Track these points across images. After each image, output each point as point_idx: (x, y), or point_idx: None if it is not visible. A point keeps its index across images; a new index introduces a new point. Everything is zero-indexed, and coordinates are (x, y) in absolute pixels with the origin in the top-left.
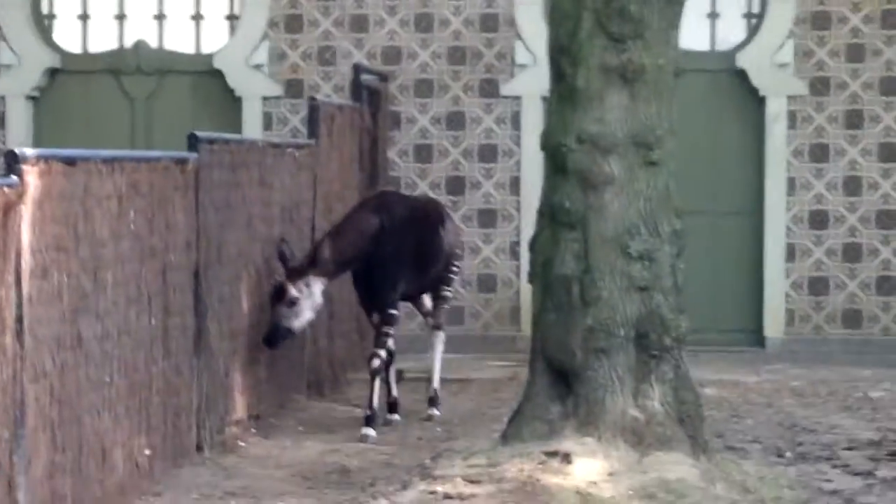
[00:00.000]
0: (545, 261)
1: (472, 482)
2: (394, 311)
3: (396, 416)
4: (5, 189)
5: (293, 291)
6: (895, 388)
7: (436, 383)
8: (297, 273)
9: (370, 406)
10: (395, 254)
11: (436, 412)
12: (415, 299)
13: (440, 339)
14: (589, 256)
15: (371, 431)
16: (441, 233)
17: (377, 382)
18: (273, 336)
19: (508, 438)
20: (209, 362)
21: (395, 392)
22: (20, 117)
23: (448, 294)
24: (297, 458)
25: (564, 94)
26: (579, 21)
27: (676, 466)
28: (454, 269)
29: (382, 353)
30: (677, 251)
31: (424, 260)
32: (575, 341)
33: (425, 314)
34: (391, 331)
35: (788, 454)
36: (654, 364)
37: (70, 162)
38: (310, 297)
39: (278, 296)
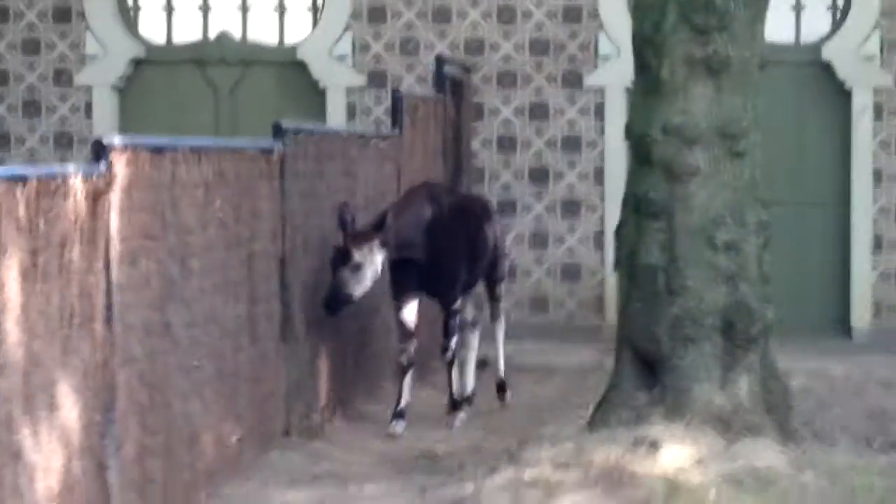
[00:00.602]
0: (630, 251)
1: (559, 467)
2: (456, 305)
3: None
4: (94, 177)
5: (357, 256)
6: None
7: (501, 372)
8: (361, 238)
9: (451, 395)
10: (452, 246)
11: (508, 395)
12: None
13: (501, 326)
14: (674, 246)
15: (462, 416)
16: (487, 228)
17: (455, 371)
18: (333, 302)
19: (595, 425)
20: (295, 349)
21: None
22: (106, 107)
23: (501, 293)
24: (384, 443)
25: (649, 85)
26: (664, 13)
27: (765, 453)
28: (503, 267)
29: (453, 342)
30: (763, 242)
31: (472, 255)
32: (661, 330)
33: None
34: (457, 324)
35: (877, 443)
36: (741, 353)
37: (157, 150)
38: (372, 265)
39: (342, 260)
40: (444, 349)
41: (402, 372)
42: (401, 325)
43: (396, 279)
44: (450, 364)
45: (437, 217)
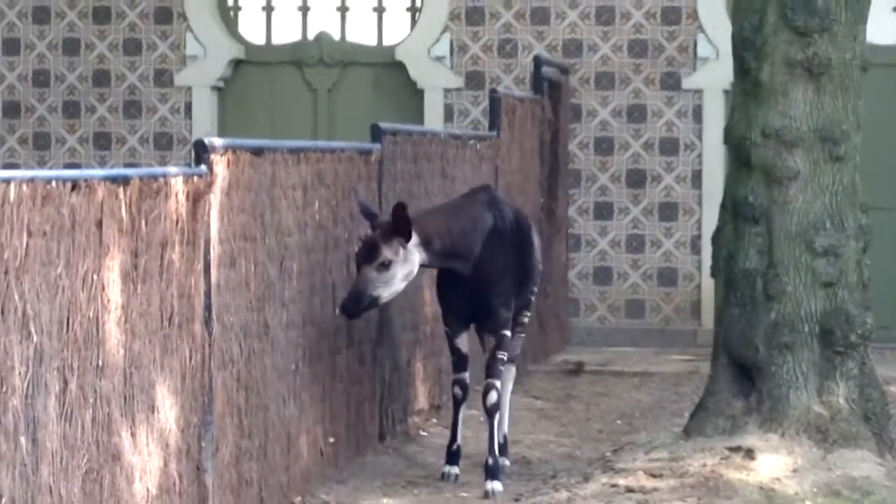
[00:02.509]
0: (728, 255)
1: (653, 476)
2: (509, 334)
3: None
4: (194, 178)
5: (387, 252)
6: None
7: (505, 427)
8: (393, 231)
9: (492, 451)
10: (506, 263)
11: (506, 462)
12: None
13: (511, 373)
14: (773, 251)
15: (498, 486)
16: (533, 245)
17: (496, 419)
18: (354, 304)
19: (690, 433)
20: (391, 352)
21: (459, 439)
22: (205, 108)
23: (527, 320)
24: (477, 448)
25: (748, 88)
26: (764, 14)
27: (862, 464)
28: (534, 290)
29: (499, 383)
30: (863, 247)
31: (521, 275)
32: (758, 336)
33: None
34: (506, 357)
35: None
36: (839, 360)
37: (257, 152)
38: (406, 263)
39: (368, 256)
40: (488, 390)
41: (456, 405)
42: (455, 352)
43: (448, 303)
44: (492, 412)
45: (497, 228)
